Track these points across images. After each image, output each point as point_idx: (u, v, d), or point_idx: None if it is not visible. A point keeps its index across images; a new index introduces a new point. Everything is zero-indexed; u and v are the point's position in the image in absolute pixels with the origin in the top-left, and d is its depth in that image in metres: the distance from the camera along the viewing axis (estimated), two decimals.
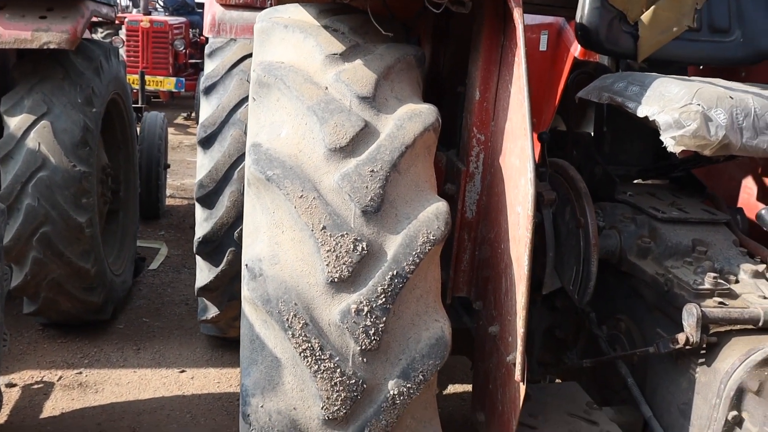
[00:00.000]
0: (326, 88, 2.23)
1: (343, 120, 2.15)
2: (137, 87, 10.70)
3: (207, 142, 4.18)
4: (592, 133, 3.16)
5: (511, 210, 2.28)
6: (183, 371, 4.63)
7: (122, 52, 12.19)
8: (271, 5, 3.34)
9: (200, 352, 4.88)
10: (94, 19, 4.93)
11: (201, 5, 14.38)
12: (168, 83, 11.76)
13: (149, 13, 12.46)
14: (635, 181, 3.19)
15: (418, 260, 2.05)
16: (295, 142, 2.16)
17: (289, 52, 2.39)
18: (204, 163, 4.18)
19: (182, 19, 12.88)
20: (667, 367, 2.44)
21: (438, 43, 3.25)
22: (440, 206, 2.14)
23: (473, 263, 2.60)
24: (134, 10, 13.48)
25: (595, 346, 2.79)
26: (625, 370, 2.57)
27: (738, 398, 2.10)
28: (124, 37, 12.03)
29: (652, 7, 2.78)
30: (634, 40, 2.81)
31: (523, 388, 2.15)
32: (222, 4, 4.25)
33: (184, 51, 12.26)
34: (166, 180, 7.89)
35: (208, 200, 4.17)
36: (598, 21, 2.78)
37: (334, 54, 2.32)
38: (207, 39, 12.29)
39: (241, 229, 3.78)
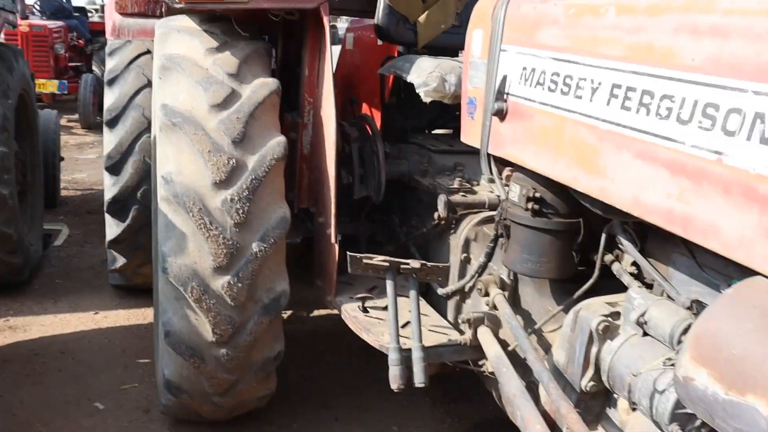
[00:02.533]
0: (207, 69, 3.79)
1: (218, 88, 3.71)
2: None
3: (112, 123, 5.64)
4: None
5: (327, 145, 3.89)
6: (96, 313, 6.03)
7: None
8: (161, 13, 4.91)
9: (110, 300, 6.29)
10: None
11: (78, 9, 15.53)
12: (51, 86, 12.97)
13: (27, 17, 13.59)
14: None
15: (268, 170, 3.62)
16: (189, 102, 3.70)
17: (182, 48, 3.93)
18: (111, 140, 5.63)
19: (61, 23, 14.07)
20: (438, 240, 4.06)
21: (287, 39, 4.86)
22: (281, 139, 3.73)
23: (310, 183, 4.20)
24: None
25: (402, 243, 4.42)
26: (414, 249, 4.20)
27: (466, 245, 3.73)
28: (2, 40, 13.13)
29: (426, 12, 4.46)
30: (414, 34, 4.49)
31: (337, 248, 3.75)
32: (120, 13, 5.74)
33: (64, 54, 13.47)
34: (60, 173, 9.17)
35: (115, 168, 5.63)
36: (388, 22, 4.45)
37: (212, 48, 3.88)
38: (86, 43, 13.53)
39: (144, 190, 5.34)
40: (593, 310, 2.59)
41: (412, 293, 3.32)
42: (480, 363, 3.53)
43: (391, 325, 3.27)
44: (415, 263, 3.29)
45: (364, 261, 3.27)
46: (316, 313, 6.10)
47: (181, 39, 3.99)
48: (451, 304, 3.79)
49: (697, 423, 2.29)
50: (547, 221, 2.86)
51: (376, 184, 4.19)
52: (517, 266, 3.03)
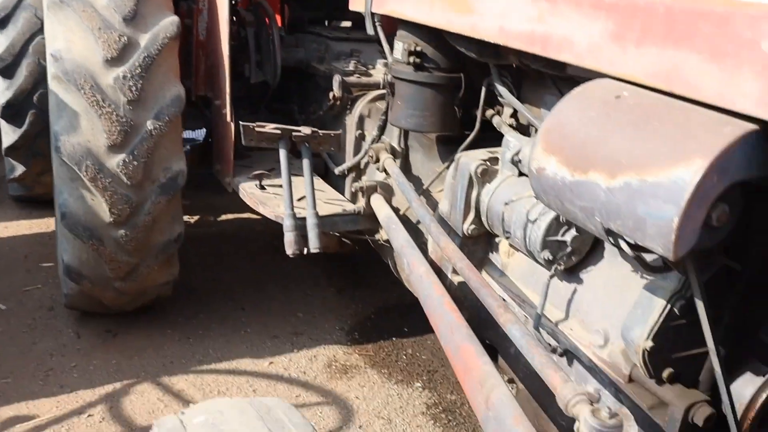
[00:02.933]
0: None
1: None
2: None
3: (2, 23, 5.51)
4: None
5: (222, 28, 3.93)
6: None
7: None
8: None
9: (11, 212, 6.21)
10: None
11: None
12: None
13: None
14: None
15: (161, 48, 3.65)
16: None
17: None
18: (1, 41, 5.51)
19: None
20: (334, 122, 4.17)
21: None
22: (174, 18, 3.75)
23: (207, 69, 4.24)
24: None
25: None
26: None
27: (360, 122, 3.84)
28: None
29: None
30: None
31: (232, 126, 3.82)
32: None
33: None
34: None
35: (8, 71, 5.52)
36: None
37: None
38: None
39: (40, 93, 5.26)
40: (473, 156, 2.74)
41: (305, 162, 3.42)
42: (375, 235, 3.67)
43: (285, 192, 3.37)
44: (306, 130, 3.38)
45: (257, 130, 3.35)
46: (223, 218, 6.18)
47: None
48: (348, 182, 3.91)
49: (568, 250, 2.48)
50: (428, 75, 2.99)
51: (273, 68, 4.26)
52: (402, 121, 3.16)
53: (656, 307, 2.12)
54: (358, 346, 4.45)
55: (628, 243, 1.76)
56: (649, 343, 2.11)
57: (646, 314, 2.14)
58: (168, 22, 3.71)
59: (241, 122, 3.41)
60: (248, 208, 3.97)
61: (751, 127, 1.54)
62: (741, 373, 2.22)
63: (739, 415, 2.14)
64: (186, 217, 5.98)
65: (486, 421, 2.07)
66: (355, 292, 5.05)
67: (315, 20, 4.82)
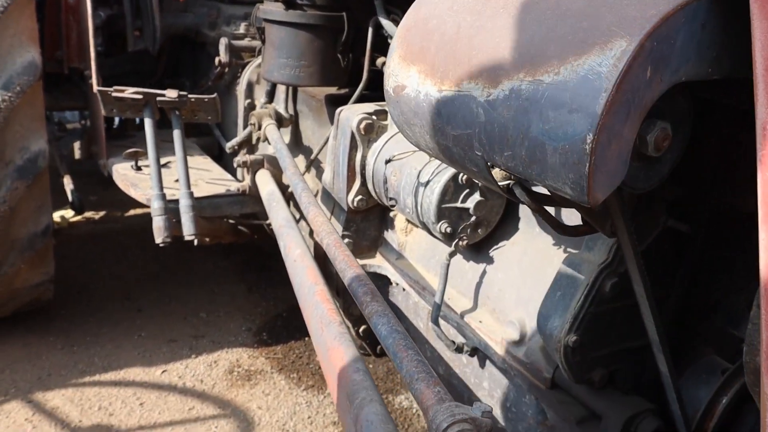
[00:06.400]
0: None
1: None
2: None
3: None
4: None
5: None
6: None
7: None
8: None
9: None
10: None
11: None
12: None
13: None
14: None
15: (7, 4, 2.98)
16: None
17: None
18: None
19: None
20: (226, 93, 3.53)
21: None
22: None
23: (79, 37, 3.57)
24: None
25: None
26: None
27: (249, 89, 3.22)
28: None
29: None
30: None
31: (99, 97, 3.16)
32: None
33: None
34: None
35: None
36: None
37: None
38: None
39: None
40: (355, 110, 2.13)
41: (176, 133, 2.78)
42: (267, 221, 3.05)
43: (152, 170, 2.73)
44: (172, 93, 2.72)
45: (114, 95, 2.70)
46: (131, 212, 5.49)
47: None
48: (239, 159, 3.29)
49: (471, 220, 1.87)
50: (302, 14, 2.35)
51: (151, 33, 3.59)
52: (274, 74, 2.51)
53: (579, 288, 1.51)
54: (266, 349, 3.81)
55: (523, 185, 1.15)
56: (572, 337, 1.50)
57: (566, 298, 1.53)
58: None
59: (97, 88, 2.75)
60: None
61: None
62: (693, 371, 1.62)
63: (693, 427, 1.54)
64: (91, 213, 5.34)
65: None
66: (267, 289, 4.39)
67: None
